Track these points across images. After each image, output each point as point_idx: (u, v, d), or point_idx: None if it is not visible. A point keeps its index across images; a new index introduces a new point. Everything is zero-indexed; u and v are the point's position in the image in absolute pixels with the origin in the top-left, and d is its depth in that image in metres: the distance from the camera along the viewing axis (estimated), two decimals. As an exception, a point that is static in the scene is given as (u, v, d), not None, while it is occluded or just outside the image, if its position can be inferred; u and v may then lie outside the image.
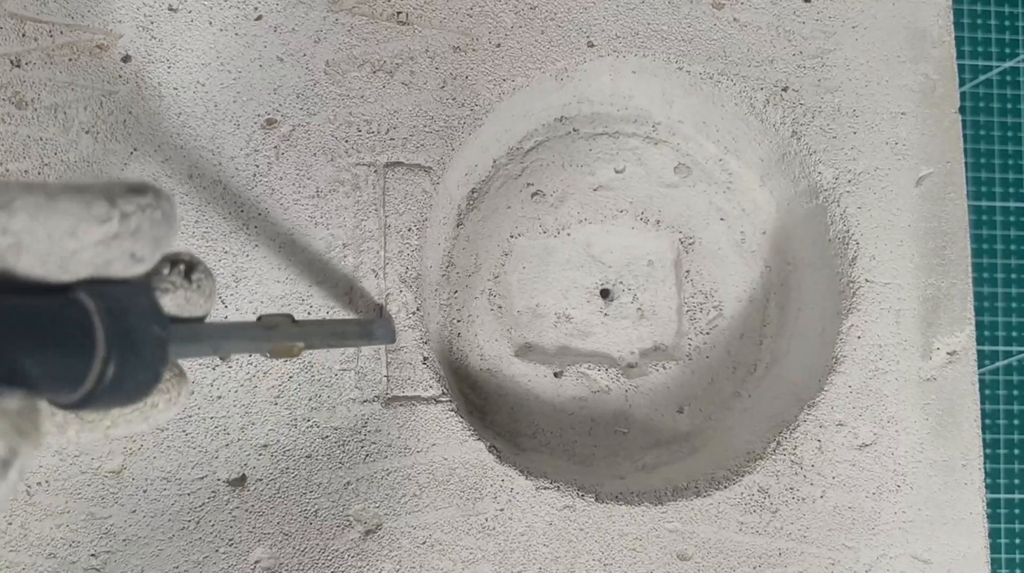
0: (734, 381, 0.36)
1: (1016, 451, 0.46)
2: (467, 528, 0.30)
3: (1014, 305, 0.47)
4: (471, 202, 0.36)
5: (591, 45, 0.33)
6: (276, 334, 0.23)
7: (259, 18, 0.32)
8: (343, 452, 0.30)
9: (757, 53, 0.34)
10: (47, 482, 0.28)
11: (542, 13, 0.33)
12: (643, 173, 0.37)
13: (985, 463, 0.33)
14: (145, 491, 0.29)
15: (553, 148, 0.36)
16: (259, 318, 0.24)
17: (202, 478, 0.29)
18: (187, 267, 0.19)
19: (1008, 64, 0.48)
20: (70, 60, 0.31)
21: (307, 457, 0.30)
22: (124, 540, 0.29)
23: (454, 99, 0.32)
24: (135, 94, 0.31)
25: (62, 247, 0.16)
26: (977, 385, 0.33)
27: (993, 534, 0.45)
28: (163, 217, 0.17)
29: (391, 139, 0.32)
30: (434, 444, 0.30)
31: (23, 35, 0.31)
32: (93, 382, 0.15)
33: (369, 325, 0.29)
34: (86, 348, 0.15)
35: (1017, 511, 0.46)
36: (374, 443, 0.30)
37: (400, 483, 0.30)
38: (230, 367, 0.30)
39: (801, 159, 0.34)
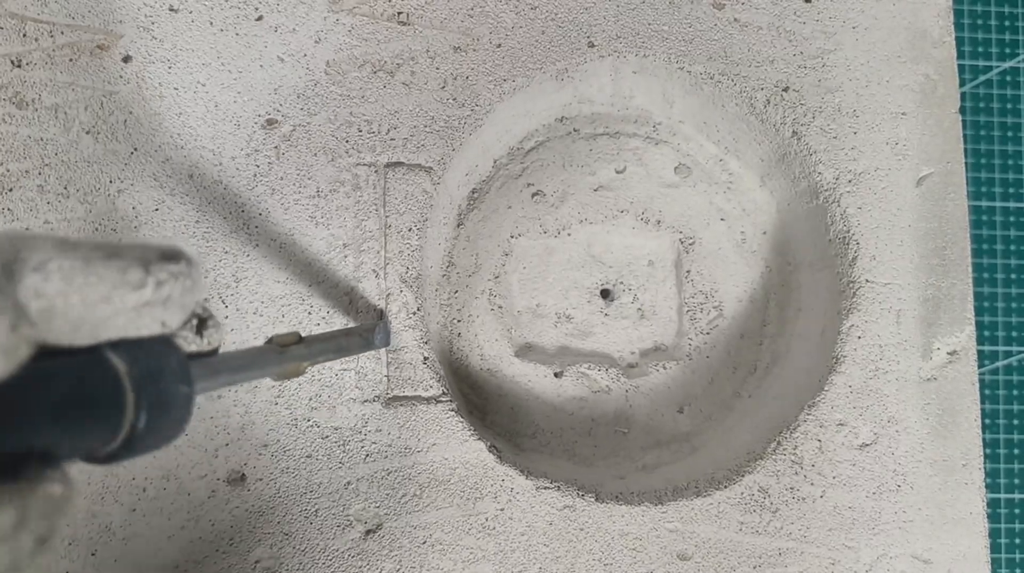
0: (734, 381, 0.36)
1: (1016, 451, 0.46)
2: (467, 528, 0.30)
3: (1014, 305, 0.47)
4: (471, 202, 0.36)
5: (592, 45, 0.33)
6: (287, 357, 0.23)
7: (260, 18, 0.32)
8: (343, 452, 0.30)
9: (758, 53, 0.34)
10: (48, 482, 0.28)
11: (543, 13, 0.33)
12: (644, 173, 0.37)
13: (985, 463, 0.33)
14: (145, 490, 0.29)
15: (554, 148, 0.36)
16: (269, 340, 0.24)
17: (202, 477, 0.29)
18: (199, 323, 0.19)
19: (1008, 64, 0.48)
20: (71, 60, 0.31)
21: (307, 457, 0.30)
22: (123, 539, 0.29)
23: (455, 99, 0.32)
24: (136, 94, 0.31)
25: (95, 313, 0.15)
26: (977, 385, 0.33)
27: (993, 534, 0.45)
28: (192, 285, 0.17)
29: (392, 139, 0.32)
30: (434, 444, 0.30)
31: (24, 35, 0.31)
32: (119, 445, 0.16)
33: (369, 333, 0.29)
34: (116, 412, 0.15)
35: (1017, 511, 0.46)
36: (374, 443, 0.30)
37: (400, 483, 0.30)
38: (231, 367, 0.30)
39: (801, 159, 0.34)
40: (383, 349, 0.31)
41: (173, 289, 0.17)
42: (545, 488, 0.31)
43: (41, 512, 0.14)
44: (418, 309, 0.31)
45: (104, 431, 0.15)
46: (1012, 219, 0.47)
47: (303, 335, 0.24)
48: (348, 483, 0.30)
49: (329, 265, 0.31)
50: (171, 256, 0.17)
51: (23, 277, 0.15)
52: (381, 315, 0.31)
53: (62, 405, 0.14)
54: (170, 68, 0.31)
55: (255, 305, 0.30)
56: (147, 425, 0.16)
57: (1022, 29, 0.48)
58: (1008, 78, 0.48)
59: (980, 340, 0.46)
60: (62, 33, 0.31)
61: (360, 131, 0.32)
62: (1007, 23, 0.48)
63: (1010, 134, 0.48)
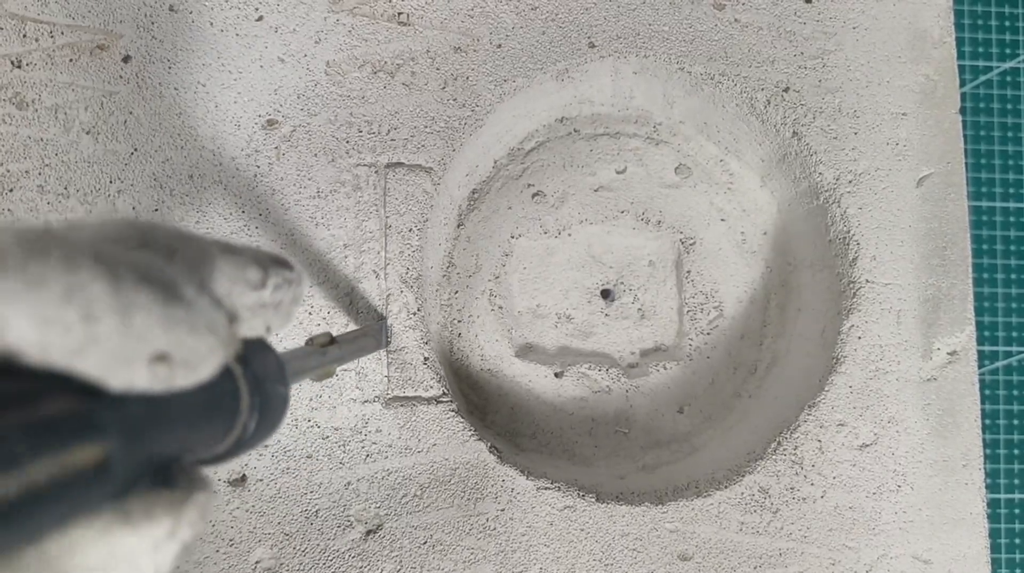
0: (735, 381, 0.36)
1: (1016, 451, 0.46)
2: (468, 528, 0.30)
3: (1014, 305, 0.47)
4: (472, 203, 0.36)
5: (592, 46, 0.33)
6: (327, 359, 0.24)
7: (260, 19, 0.32)
8: (344, 452, 0.30)
9: (758, 54, 0.34)
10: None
11: (543, 14, 0.33)
12: (644, 174, 0.37)
13: (985, 463, 0.33)
14: (146, 491, 0.29)
15: (554, 149, 0.36)
16: (308, 341, 0.24)
17: (203, 478, 0.29)
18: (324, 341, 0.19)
19: (1008, 65, 0.48)
20: (71, 61, 0.31)
21: (308, 457, 0.30)
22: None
23: (455, 100, 0.32)
24: (136, 94, 0.31)
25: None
26: (977, 385, 0.33)
27: (993, 534, 0.45)
28: (299, 295, 0.18)
29: (392, 140, 0.32)
30: (435, 444, 0.30)
31: (24, 36, 0.31)
32: (231, 444, 0.16)
33: (378, 333, 0.29)
34: (231, 413, 0.16)
35: (1017, 511, 0.46)
36: (375, 443, 0.30)
37: (401, 483, 0.30)
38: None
39: (802, 159, 0.34)
40: (383, 350, 0.31)
41: (285, 294, 0.17)
42: (546, 488, 0.31)
43: (191, 520, 0.14)
44: (418, 309, 0.31)
45: (222, 433, 0.16)
46: (1012, 219, 0.47)
47: (334, 335, 0.25)
48: (348, 483, 0.30)
49: (330, 265, 0.31)
50: (284, 262, 0.17)
51: (215, 279, 0.15)
52: (381, 316, 0.31)
53: (194, 409, 0.15)
54: (170, 68, 0.31)
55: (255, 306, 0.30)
56: (256, 426, 0.16)
57: (1022, 30, 0.48)
58: (1008, 78, 0.48)
59: (980, 340, 0.45)
60: (62, 33, 0.31)
61: (360, 132, 0.32)
62: (1007, 23, 0.48)
63: (1010, 134, 0.48)
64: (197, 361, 0.14)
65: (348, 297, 0.31)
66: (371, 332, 0.29)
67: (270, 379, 0.17)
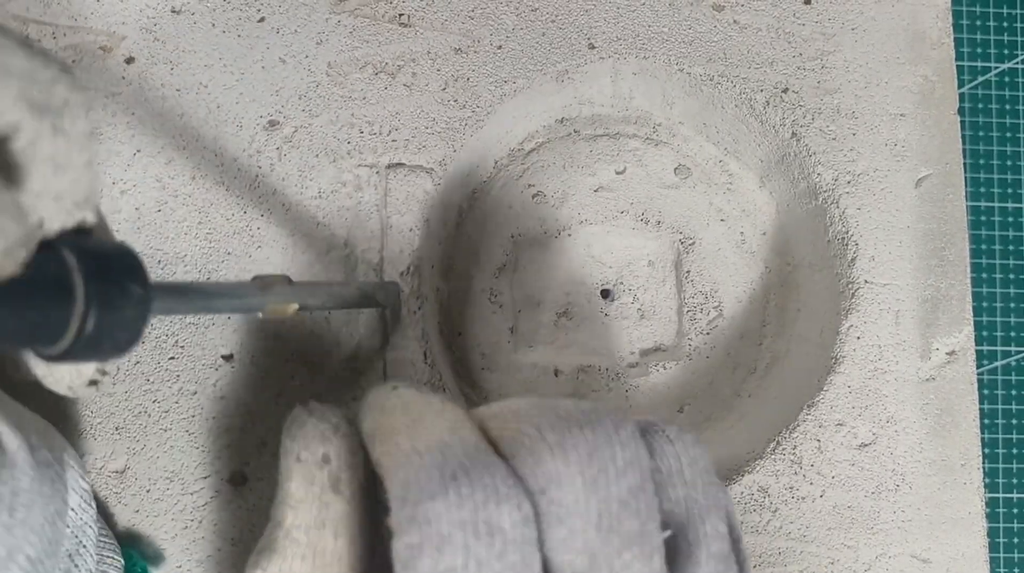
0: (734, 381, 0.36)
1: (1015, 450, 0.46)
2: (468, 527, 0.30)
3: (1012, 305, 0.47)
4: (472, 203, 0.36)
5: (592, 47, 0.33)
6: (271, 295, 0.23)
7: (262, 20, 0.32)
8: (345, 452, 0.30)
9: (757, 55, 0.34)
10: (51, 482, 0.29)
11: (543, 15, 0.33)
12: (643, 174, 0.37)
13: (984, 462, 0.33)
14: (148, 490, 0.29)
15: (554, 149, 0.37)
16: (254, 278, 0.23)
17: (205, 478, 0.29)
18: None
19: (1007, 65, 0.48)
20: (73, 62, 0.31)
21: (309, 457, 0.30)
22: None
23: (455, 101, 0.32)
24: (138, 96, 0.31)
25: None
26: (976, 385, 0.33)
27: (992, 533, 0.45)
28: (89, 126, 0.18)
29: (393, 140, 0.32)
30: (436, 444, 0.30)
31: (26, 37, 0.31)
32: (71, 339, 0.16)
33: (370, 287, 0.28)
34: (65, 305, 0.16)
35: (1016, 510, 0.46)
36: (376, 443, 0.30)
37: (402, 483, 0.30)
38: (233, 368, 0.30)
39: (801, 160, 0.34)
40: (384, 346, 0.31)
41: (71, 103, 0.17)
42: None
43: None
44: (419, 308, 0.31)
45: (57, 325, 0.16)
46: (1011, 219, 0.47)
47: (292, 280, 0.24)
48: (350, 483, 0.30)
49: (331, 265, 0.31)
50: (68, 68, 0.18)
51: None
52: (380, 271, 0.30)
53: (18, 295, 0.15)
54: (172, 70, 0.31)
55: (257, 306, 0.30)
56: (98, 319, 0.16)
57: (1021, 30, 0.48)
58: (1007, 79, 0.48)
59: (979, 340, 0.46)
60: (64, 35, 0.31)
61: (362, 132, 0.32)
62: (1006, 24, 0.49)
63: (1009, 135, 0.48)
64: None
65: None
66: (358, 286, 0.28)
67: (116, 273, 0.17)
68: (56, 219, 0.17)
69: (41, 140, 0.16)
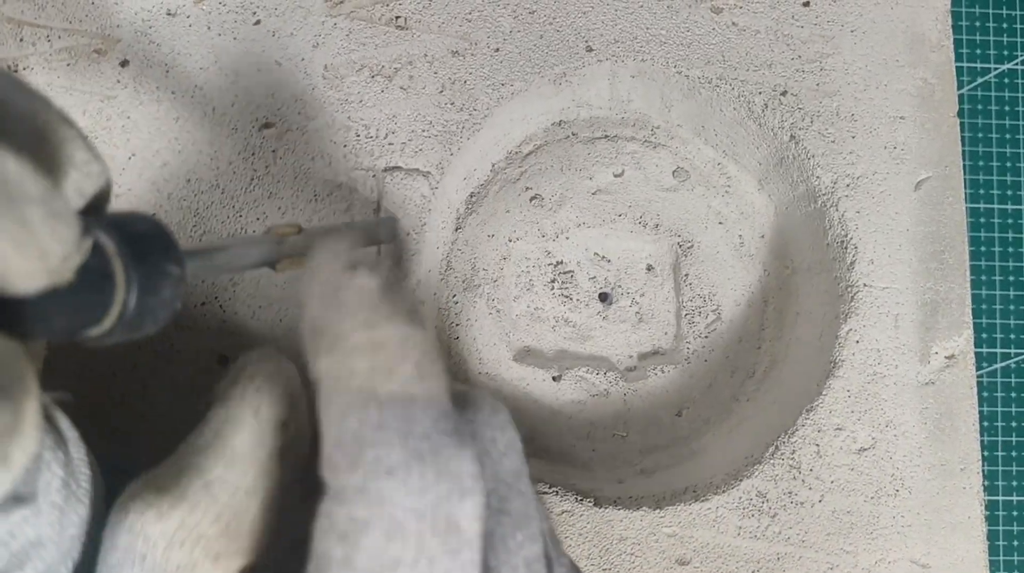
0: (733, 385, 0.36)
1: (1015, 453, 0.46)
2: (466, 533, 0.30)
3: (1012, 308, 0.47)
4: (469, 206, 0.36)
5: (590, 50, 0.33)
6: (285, 246, 0.23)
7: (257, 23, 0.32)
8: (341, 457, 0.30)
9: (756, 57, 0.34)
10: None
11: (541, 18, 0.33)
12: (641, 177, 0.37)
13: (984, 466, 0.33)
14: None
15: (552, 152, 0.36)
16: (268, 230, 0.23)
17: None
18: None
19: (1006, 66, 0.48)
20: (68, 65, 0.31)
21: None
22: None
23: (452, 104, 0.32)
24: (133, 98, 0.31)
25: None
26: (975, 389, 0.33)
27: (992, 537, 0.45)
28: None
29: (389, 144, 0.32)
30: (433, 449, 0.30)
31: (21, 40, 0.31)
32: (112, 322, 0.16)
33: (372, 226, 0.28)
34: (106, 292, 0.16)
35: (1016, 513, 0.46)
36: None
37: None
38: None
39: (799, 163, 0.34)
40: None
41: None
42: (544, 493, 0.31)
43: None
44: (416, 313, 0.31)
45: (95, 310, 0.16)
46: (1011, 221, 0.47)
47: (304, 227, 0.24)
48: (346, 488, 0.30)
49: (327, 270, 0.31)
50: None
51: (69, 172, 0.16)
52: (378, 207, 0.30)
53: (62, 291, 0.15)
54: (167, 72, 0.31)
55: (252, 309, 0.30)
56: (138, 303, 0.16)
57: (1020, 31, 0.48)
58: (1006, 80, 0.48)
59: (979, 343, 0.45)
60: (59, 38, 0.31)
61: (358, 135, 0.32)
62: (1005, 25, 0.48)
63: (1008, 136, 0.48)
64: (13, 277, 0.14)
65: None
66: (361, 225, 0.28)
67: (153, 255, 0.17)
68: (80, 191, 0.17)
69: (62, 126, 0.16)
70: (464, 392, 0.20)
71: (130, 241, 0.16)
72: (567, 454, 0.35)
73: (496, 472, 0.18)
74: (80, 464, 0.19)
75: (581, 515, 0.31)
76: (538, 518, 0.19)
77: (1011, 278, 0.47)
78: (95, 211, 0.17)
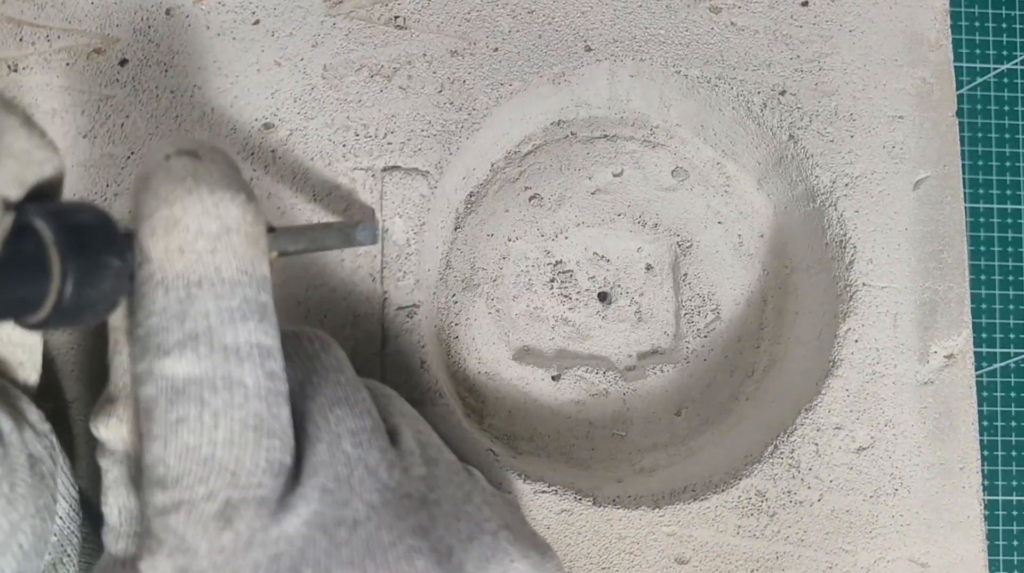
0: (732, 384, 0.36)
1: (1014, 453, 0.46)
2: (465, 532, 0.30)
3: (1012, 307, 0.47)
4: (469, 206, 0.36)
5: (588, 49, 0.33)
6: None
7: (256, 22, 0.32)
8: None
9: (754, 57, 0.34)
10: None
11: (539, 17, 0.33)
12: (641, 177, 0.37)
13: (983, 465, 0.33)
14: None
15: (551, 152, 0.36)
16: None
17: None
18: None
19: (1006, 66, 0.48)
20: (67, 64, 0.31)
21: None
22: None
23: (451, 103, 0.32)
24: (132, 98, 0.31)
25: None
26: (974, 388, 0.33)
27: (991, 536, 0.45)
28: None
29: (388, 143, 0.32)
30: (432, 448, 0.30)
31: (20, 39, 0.31)
32: (48, 311, 0.16)
33: (349, 227, 0.28)
34: (41, 281, 0.16)
35: (1015, 513, 0.46)
36: (372, 447, 0.30)
37: (398, 487, 0.30)
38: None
39: (798, 162, 0.34)
40: (381, 348, 0.31)
41: None
42: (542, 492, 0.31)
43: None
44: (415, 312, 0.31)
45: (31, 298, 0.16)
46: (1010, 221, 0.47)
47: (274, 227, 0.24)
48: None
49: (325, 269, 0.31)
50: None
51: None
52: (372, 214, 0.30)
53: None
54: (166, 72, 0.31)
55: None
56: (74, 295, 0.16)
57: (1020, 31, 0.48)
58: (1006, 80, 0.48)
59: (978, 342, 0.46)
60: (59, 37, 0.31)
61: (357, 135, 0.32)
62: (1004, 25, 0.48)
63: (1007, 136, 0.48)
64: None
65: (345, 301, 0.31)
66: (338, 227, 0.28)
67: (94, 246, 0.17)
68: (18, 180, 0.17)
69: None
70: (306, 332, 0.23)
71: (69, 231, 0.16)
72: (566, 453, 0.35)
73: (312, 366, 0.22)
74: (22, 458, 0.20)
75: (580, 514, 0.31)
76: (366, 404, 0.22)
77: (1011, 278, 0.47)
78: (46, 199, 0.17)
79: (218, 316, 0.18)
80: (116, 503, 0.21)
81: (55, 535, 0.22)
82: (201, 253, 0.18)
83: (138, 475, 0.20)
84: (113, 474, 0.21)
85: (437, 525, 0.21)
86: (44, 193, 0.17)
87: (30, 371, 0.21)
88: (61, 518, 0.23)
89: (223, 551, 0.18)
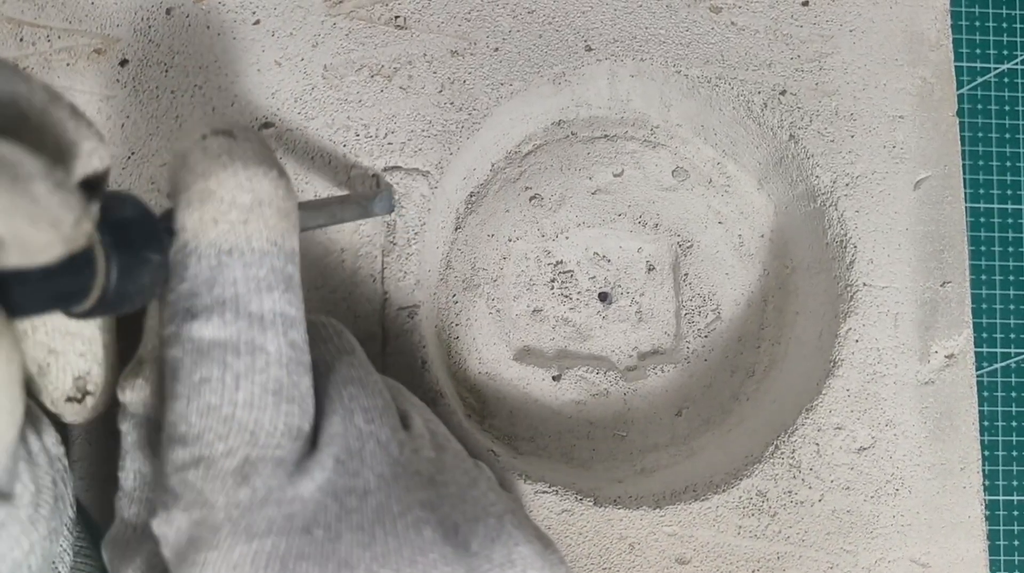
0: (732, 384, 0.36)
1: (1015, 453, 0.46)
2: (465, 532, 0.30)
3: (1012, 307, 0.47)
4: (469, 206, 0.36)
5: (589, 49, 0.33)
6: None
7: (257, 22, 0.32)
8: (341, 456, 0.30)
9: (755, 57, 0.34)
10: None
11: (540, 17, 0.33)
12: (641, 177, 0.37)
13: (984, 465, 0.33)
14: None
15: (551, 152, 0.36)
16: None
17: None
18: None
19: (1006, 66, 0.48)
20: (68, 65, 0.31)
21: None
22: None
23: (452, 103, 0.32)
24: (132, 98, 0.31)
25: None
26: (975, 388, 0.33)
27: (992, 536, 0.45)
28: None
29: (389, 143, 0.32)
30: (432, 448, 0.30)
31: (21, 40, 0.31)
32: (92, 303, 0.17)
33: (366, 199, 0.29)
34: (87, 276, 0.17)
35: (1016, 513, 0.46)
36: (372, 447, 0.30)
37: (398, 487, 0.30)
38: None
39: (799, 162, 0.34)
40: (379, 352, 0.31)
41: None
42: (543, 492, 0.31)
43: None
44: (416, 313, 0.31)
45: (78, 291, 0.17)
46: (1010, 221, 0.47)
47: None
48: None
49: (326, 270, 0.31)
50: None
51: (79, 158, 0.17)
52: (378, 182, 0.31)
53: (45, 270, 0.16)
54: (167, 72, 0.31)
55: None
56: (117, 289, 0.17)
57: (1020, 31, 0.48)
58: (1006, 80, 0.48)
59: (979, 342, 0.45)
60: (59, 37, 0.31)
61: (357, 135, 0.32)
62: (1005, 25, 0.48)
63: (1008, 136, 0.48)
64: (34, 250, 0.15)
65: (345, 302, 0.31)
66: (355, 199, 0.28)
67: (136, 243, 0.18)
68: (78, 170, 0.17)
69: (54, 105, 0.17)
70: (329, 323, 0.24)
71: (113, 228, 0.17)
72: (567, 453, 0.35)
73: (327, 348, 0.23)
74: (48, 480, 0.20)
75: (581, 514, 0.31)
76: (378, 386, 0.22)
77: (1011, 278, 0.47)
78: (92, 189, 0.18)
79: (245, 284, 0.18)
80: (132, 467, 0.22)
81: (54, 560, 0.22)
82: (234, 223, 0.19)
83: (156, 440, 0.21)
84: (132, 437, 0.22)
85: (444, 503, 0.21)
86: (90, 184, 0.18)
87: (91, 362, 0.21)
88: (64, 537, 0.23)
89: (239, 506, 0.18)
